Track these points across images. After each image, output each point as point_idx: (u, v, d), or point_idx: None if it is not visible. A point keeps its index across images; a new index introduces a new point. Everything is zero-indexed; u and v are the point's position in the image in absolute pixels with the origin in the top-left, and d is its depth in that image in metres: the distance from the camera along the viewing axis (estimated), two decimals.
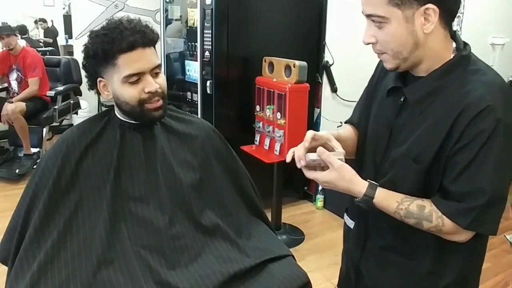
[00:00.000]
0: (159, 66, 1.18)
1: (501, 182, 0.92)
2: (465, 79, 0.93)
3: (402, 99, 1.02)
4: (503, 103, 0.89)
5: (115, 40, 1.10)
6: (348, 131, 1.22)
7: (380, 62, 1.12)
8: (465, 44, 0.99)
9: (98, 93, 1.22)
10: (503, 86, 0.94)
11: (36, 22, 7.20)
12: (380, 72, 1.15)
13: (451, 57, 0.96)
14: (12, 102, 3.74)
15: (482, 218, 0.92)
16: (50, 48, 6.29)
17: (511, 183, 1.00)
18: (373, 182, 1.00)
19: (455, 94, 0.93)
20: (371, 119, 1.14)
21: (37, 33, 7.39)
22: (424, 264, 1.05)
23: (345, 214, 1.26)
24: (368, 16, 0.93)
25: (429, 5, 0.88)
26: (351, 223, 1.22)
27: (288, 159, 1.04)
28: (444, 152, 0.93)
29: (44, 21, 7.30)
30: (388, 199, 0.99)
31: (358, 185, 1.00)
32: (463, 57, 0.96)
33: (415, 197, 0.98)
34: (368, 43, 0.97)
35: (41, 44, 6.84)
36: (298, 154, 1.01)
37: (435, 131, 0.94)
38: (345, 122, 1.27)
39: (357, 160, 1.19)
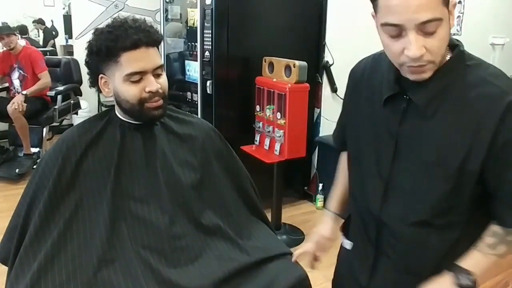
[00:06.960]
0: (161, 66, 1.18)
1: None
2: (472, 75, 0.90)
3: (404, 106, 0.95)
4: None
5: (119, 38, 1.10)
6: (343, 175, 1.22)
7: (350, 78, 1.13)
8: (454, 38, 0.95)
9: (99, 91, 1.22)
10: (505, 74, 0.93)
11: (35, 24, 7.19)
12: (354, 87, 1.11)
13: (449, 53, 0.92)
14: (24, 94, 3.71)
15: None
16: (51, 48, 6.29)
17: None
18: (458, 270, 0.94)
19: (472, 93, 0.88)
20: (363, 133, 1.06)
21: (36, 34, 7.38)
22: None
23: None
24: (423, 23, 0.82)
25: None
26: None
27: None
28: (477, 154, 0.88)
29: (40, 22, 7.29)
30: (476, 260, 0.95)
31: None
32: (462, 53, 0.92)
33: (482, 240, 0.96)
34: (421, 55, 0.85)
35: (41, 44, 6.84)
36: None
37: (462, 133, 0.89)
38: (339, 150, 1.26)
39: (355, 177, 1.12)
